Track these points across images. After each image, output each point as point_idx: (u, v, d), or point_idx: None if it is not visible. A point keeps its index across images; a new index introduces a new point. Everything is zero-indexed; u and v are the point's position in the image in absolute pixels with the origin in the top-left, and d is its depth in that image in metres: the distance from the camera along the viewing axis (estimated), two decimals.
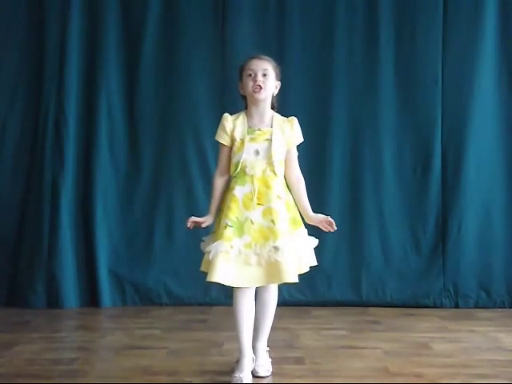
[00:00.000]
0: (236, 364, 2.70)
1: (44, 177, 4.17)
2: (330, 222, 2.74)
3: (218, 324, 3.63)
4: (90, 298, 4.19)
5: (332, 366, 2.90)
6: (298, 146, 4.24)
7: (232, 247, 2.58)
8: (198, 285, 4.05)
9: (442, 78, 4.24)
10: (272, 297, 2.76)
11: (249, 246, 2.59)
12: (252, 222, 2.61)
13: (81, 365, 2.92)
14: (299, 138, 2.79)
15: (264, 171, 2.67)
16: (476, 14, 4.20)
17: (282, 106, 4.14)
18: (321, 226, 2.78)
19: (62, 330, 3.70)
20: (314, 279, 4.19)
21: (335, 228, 2.75)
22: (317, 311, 4.06)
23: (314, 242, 2.80)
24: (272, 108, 2.80)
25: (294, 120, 2.79)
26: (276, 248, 2.57)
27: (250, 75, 2.69)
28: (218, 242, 2.58)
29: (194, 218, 2.71)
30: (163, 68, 4.28)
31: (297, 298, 4.20)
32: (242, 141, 2.69)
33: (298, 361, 2.98)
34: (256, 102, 2.71)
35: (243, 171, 2.66)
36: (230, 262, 2.57)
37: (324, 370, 2.85)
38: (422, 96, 4.25)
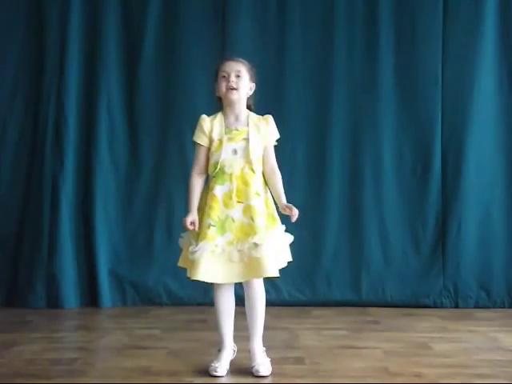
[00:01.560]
0: (217, 353, 2.82)
1: (44, 177, 4.17)
2: (290, 208, 2.75)
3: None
4: (90, 297, 4.19)
5: (332, 366, 2.90)
6: (297, 147, 4.29)
7: (216, 246, 2.66)
8: (198, 285, 4.00)
9: (442, 78, 4.24)
10: (258, 296, 2.77)
11: (231, 243, 2.68)
12: (233, 220, 2.69)
13: (81, 365, 2.92)
14: (275, 135, 2.85)
15: (242, 169, 2.73)
16: (476, 14, 4.20)
17: (281, 106, 4.17)
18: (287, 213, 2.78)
19: (62, 330, 3.70)
20: (313, 279, 4.21)
21: (295, 216, 2.74)
22: (317, 311, 4.06)
23: (290, 238, 2.85)
24: (248, 109, 2.84)
25: (270, 118, 2.83)
26: (255, 244, 2.64)
27: (224, 76, 2.75)
28: (203, 242, 2.66)
29: (191, 220, 2.72)
30: (163, 68, 4.29)
31: (297, 298, 4.20)
32: (220, 141, 2.75)
33: (298, 361, 2.98)
34: (230, 102, 2.77)
35: (222, 170, 2.73)
36: (214, 261, 2.66)
37: (324, 370, 2.85)
38: (422, 96, 4.25)
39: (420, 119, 4.26)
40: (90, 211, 4.23)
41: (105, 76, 4.25)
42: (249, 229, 2.67)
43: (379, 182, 4.27)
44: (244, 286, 2.78)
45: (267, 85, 4.17)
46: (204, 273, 2.66)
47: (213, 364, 2.77)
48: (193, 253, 2.67)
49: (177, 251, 4.15)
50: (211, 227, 2.68)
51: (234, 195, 2.70)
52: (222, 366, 2.76)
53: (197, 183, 2.78)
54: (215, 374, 2.74)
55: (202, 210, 2.75)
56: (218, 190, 2.71)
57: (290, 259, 2.84)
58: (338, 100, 4.26)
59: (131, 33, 4.28)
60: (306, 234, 4.13)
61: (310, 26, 4.26)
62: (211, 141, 2.76)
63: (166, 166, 4.29)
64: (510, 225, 4.24)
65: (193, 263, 2.68)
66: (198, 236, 2.70)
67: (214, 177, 2.75)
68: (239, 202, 2.70)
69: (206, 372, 2.78)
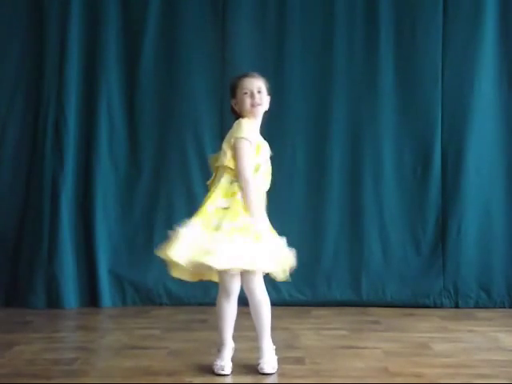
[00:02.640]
0: (217, 353, 2.83)
1: (44, 177, 4.17)
2: None
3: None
4: (90, 298, 4.19)
5: (332, 366, 2.90)
6: (297, 148, 4.31)
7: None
8: (198, 285, 4.02)
9: (442, 78, 4.24)
10: (261, 301, 2.78)
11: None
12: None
13: (81, 365, 2.92)
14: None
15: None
16: (476, 14, 4.20)
17: (281, 105, 4.17)
18: None
19: (62, 330, 3.70)
20: (314, 279, 4.21)
21: None
22: (317, 311, 4.06)
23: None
24: None
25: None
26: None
27: (246, 93, 2.82)
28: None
29: None
30: (163, 68, 4.29)
31: (297, 298, 4.20)
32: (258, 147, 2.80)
33: (298, 361, 2.98)
34: (255, 117, 2.84)
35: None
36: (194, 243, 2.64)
37: (324, 369, 2.85)
38: (422, 96, 4.25)
39: (420, 119, 4.26)
40: (90, 211, 4.23)
41: (105, 76, 4.25)
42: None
43: (379, 182, 4.27)
44: (246, 293, 2.79)
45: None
46: (176, 253, 2.63)
47: (218, 363, 2.78)
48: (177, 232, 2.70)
49: None
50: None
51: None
52: (227, 365, 2.78)
53: None
54: (222, 372, 2.75)
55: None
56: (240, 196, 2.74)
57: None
58: (338, 100, 4.27)
59: (131, 33, 4.28)
60: (306, 234, 4.13)
61: (309, 25, 4.26)
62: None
63: (165, 166, 4.29)
64: (510, 225, 4.24)
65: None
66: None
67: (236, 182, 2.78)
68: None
69: (206, 372, 2.78)
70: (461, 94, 4.22)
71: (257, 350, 2.82)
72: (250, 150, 2.76)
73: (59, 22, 4.20)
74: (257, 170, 2.77)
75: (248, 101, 2.81)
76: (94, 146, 4.25)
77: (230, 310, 2.81)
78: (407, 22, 4.26)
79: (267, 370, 2.75)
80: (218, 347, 2.85)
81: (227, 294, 2.78)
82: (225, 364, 2.78)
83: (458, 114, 4.22)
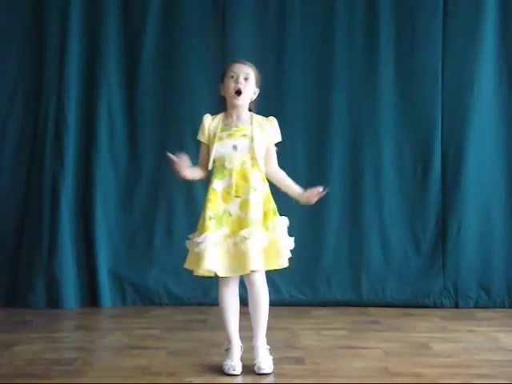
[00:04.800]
0: (225, 352, 2.83)
1: (44, 177, 4.17)
2: (318, 192, 2.79)
3: (217, 324, 3.58)
4: (90, 298, 4.20)
5: (332, 366, 2.90)
6: (297, 147, 4.29)
7: (218, 238, 2.72)
8: (198, 285, 4.06)
9: (442, 78, 4.24)
10: (260, 293, 2.78)
11: (228, 236, 2.73)
12: (230, 214, 2.75)
13: (81, 365, 2.92)
14: (278, 137, 2.90)
15: (242, 164, 2.78)
16: (476, 13, 4.20)
17: (281, 105, 4.17)
18: (313, 198, 2.82)
19: (62, 330, 3.70)
20: (314, 279, 4.21)
21: (321, 191, 2.79)
22: (317, 311, 4.06)
23: (290, 241, 2.84)
24: (249, 111, 2.90)
25: (274, 120, 2.90)
26: (244, 237, 2.68)
27: (232, 77, 2.80)
28: (207, 232, 2.70)
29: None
30: (163, 68, 4.29)
31: (297, 298, 4.20)
32: (215, 136, 2.83)
33: (298, 361, 2.98)
34: (234, 105, 2.83)
35: (222, 166, 2.80)
36: (217, 252, 2.70)
37: (324, 370, 2.85)
38: (422, 96, 4.25)
39: (420, 119, 4.26)
40: (90, 211, 4.23)
41: (105, 76, 4.25)
42: (242, 222, 2.71)
43: (379, 181, 4.27)
44: (246, 283, 2.79)
45: (267, 85, 4.16)
46: (211, 263, 2.68)
47: (228, 363, 2.77)
48: (198, 244, 2.71)
49: (177, 251, 4.18)
50: (211, 219, 2.73)
51: (233, 189, 2.74)
52: (238, 365, 2.77)
53: (195, 167, 2.89)
54: (233, 372, 2.74)
55: (204, 204, 2.80)
56: (218, 185, 2.78)
57: (286, 264, 2.81)
58: (338, 100, 4.26)
59: (131, 33, 4.28)
60: (306, 234, 4.13)
61: (309, 25, 4.26)
62: (210, 138, 2.84)
63: (165, 166, 4.25)
64: (510, 225, 4.24)
65: (198, 256, 2.70)
66: (202, 229, 2.75)
67: (214, 172, 2.82)
68: (237, 196, 2.75)
69: (206, 372, 2.78)
70: (461, 94, 4.22)
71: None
72: None
73: (59, 22, 4.20)
74: None
75: (232, 85, 2.79)
76: (93, 146, 4.25)
77: (230, 296, 2.80)
78: (407, 21, 4.25)
79: (263, 370, 2.74)
80: (226, 346, 2.85)
81: (225, 279, 2.78)
82: (235, 364, 2.77)
83: (458, 113, 4.22)
